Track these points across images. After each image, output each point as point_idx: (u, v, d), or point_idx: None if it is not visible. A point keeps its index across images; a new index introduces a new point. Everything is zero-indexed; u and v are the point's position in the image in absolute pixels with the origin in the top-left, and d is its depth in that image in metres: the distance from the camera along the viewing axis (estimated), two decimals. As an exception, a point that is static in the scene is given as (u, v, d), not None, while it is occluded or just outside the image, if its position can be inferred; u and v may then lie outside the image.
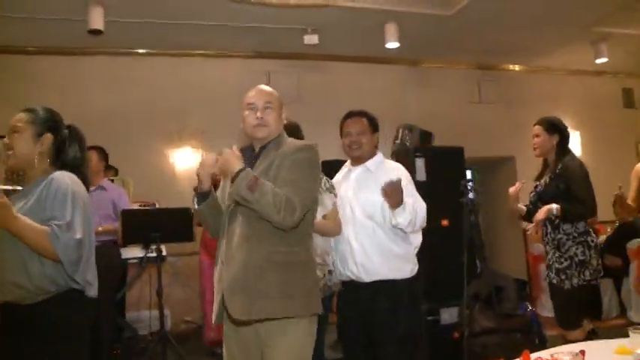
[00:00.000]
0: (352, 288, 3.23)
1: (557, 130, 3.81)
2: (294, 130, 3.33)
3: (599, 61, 8.38)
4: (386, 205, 3.04)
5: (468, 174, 5.57)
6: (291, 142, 2.51)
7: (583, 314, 3.66)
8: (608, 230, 7.43)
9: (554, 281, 3.59)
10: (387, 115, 7.83)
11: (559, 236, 3.63)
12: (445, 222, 4.99)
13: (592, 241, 3.61)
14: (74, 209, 2.28)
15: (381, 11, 6.54)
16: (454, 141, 5.66)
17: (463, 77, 8.88)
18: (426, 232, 4.92)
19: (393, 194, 2.91)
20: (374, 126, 3.36)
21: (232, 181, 2.31)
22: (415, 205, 3.06)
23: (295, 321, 2.32)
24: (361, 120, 3.32)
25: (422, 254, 4.91)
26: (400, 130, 5.60)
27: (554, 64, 9.23)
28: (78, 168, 2.49)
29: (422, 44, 7.68)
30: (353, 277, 3.19)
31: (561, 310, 3.64)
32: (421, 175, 5.16)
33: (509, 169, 8.89)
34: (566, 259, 3.59)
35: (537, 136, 3.80)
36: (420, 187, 4.92)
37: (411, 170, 5.07)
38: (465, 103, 8.78)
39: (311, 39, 6.82)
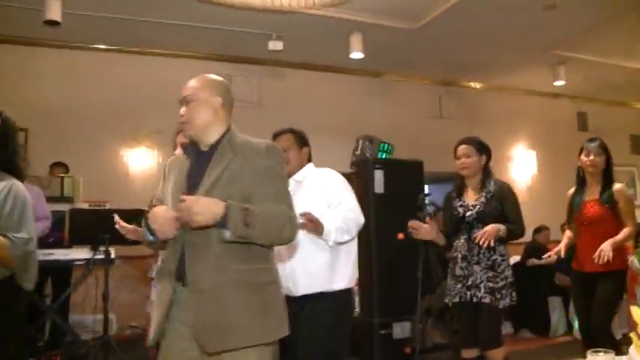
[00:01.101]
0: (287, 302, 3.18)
1: (485, 149, 3.85)
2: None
3: (557, 83, 8.63)
4: (315, 209, 3.02)
5: (427, 188, 5.61)
6: (246, 141, 2.26)
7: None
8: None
9: (487, 300, 3.58)
10: (348, 126, 8.02)
11: (494, 257, 3.65)
12: (401, 235, 4.95)
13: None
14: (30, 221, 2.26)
15: (347, 21, 6.56)
16: (414, 154, 5.70)
17: (425, 91, 8.98)
18: (381, 245, 5.08)
19: (309, 226, 2.91)
20: (301, 141, 3.36)
21: (219, 226, 2.02)
22: (342, 216, 3.05)
23: (261, 347, 2.13)
24: (287, 136, 3.33)
25: (377, 267, 5.07)
26: (360, 142, 5.59)
27: (513, 84, 9.44)
28: (14, 162, 2.46)
29: (386, 56, 7.74)
30: (285, 291, 3.13)
31: (492, 329, 3.64)
32: (379, 188, 5.15)
33: (466, 186, 9.03)
34: (502, 279, 3.62)
35: (467, 156, 3.79)
36: (377, 199, 5.11)
37: (370, 182, 5.12)
38: (426, 117, 8.89)
39: (275, 45, 6.79)
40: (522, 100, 9.75)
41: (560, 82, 8.59)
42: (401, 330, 4.93)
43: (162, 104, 7.22)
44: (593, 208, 3.98)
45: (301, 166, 3.32)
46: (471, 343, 3.68)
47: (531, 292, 6.92)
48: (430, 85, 9.04)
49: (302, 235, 3.06)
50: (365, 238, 5.08)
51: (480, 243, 3.53)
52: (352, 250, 3.25)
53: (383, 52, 7.48)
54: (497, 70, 8.65)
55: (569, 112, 10.23)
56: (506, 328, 7.17)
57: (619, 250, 3.79)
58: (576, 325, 6.78)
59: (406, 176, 5.28)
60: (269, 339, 2.14)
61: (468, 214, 3.74)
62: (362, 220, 3.17)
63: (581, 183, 4.13)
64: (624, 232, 3.81)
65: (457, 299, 3.71)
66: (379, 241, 5.06)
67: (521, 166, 9.74)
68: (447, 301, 3.81)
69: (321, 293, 3.08)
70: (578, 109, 10.37)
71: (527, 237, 7.35)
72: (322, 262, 3.11)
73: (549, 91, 9.60)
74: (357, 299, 5.39)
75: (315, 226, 2.91)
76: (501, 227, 3.55)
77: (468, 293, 3.66)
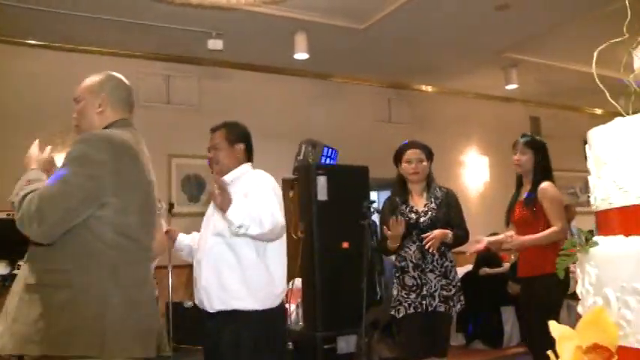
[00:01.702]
0: (202, 316, 3.04)
1: (431, 154, 3.95)
2: None
3: (509, 87, 8.80)
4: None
5: (373, 195, 5.66)
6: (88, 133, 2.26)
7: None
8: (512, 258, 7.74)
9: (442, 309, 3.66)
10: (293, 130, 7.98)
11: (446, 264, 3.76)
12: (345, 244, 5.04)
13: None
14: None
15: (290, 19, 6.56)
16: (362, 160, 5.73)
17: (374, 94, 9.04)
18: (325, 255, 5.08)
19: (218, 195, 2.68)
20: (234, 136, 3.19)
21: None
22: (257, 207, 2.75)
23: None
24: (218, 133, 3.20)
25: (320, 278, 5.08)
26: (303, 146, 5.61)
27: (465, 87, 9.59)
28: None
29: (332, 57, 7.77)
30: (200, 305, 3.03)
31: (447, 337, 3.75)
32: (322, 195, 5.17)
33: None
34: (453, 287, 3.74)
35: (421, 160, 3.86)
36: (320, 207, 5.12)
37: (313, 189, 5.14)
38: (374, 121, 8.94)
39: (215, 44, 6.74)
40: (474, 104, 9.90)
41: (512, 86, 8.75)
42: (346, 344, 4.95)
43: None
44: (519, 210, 4.00)
45: (233, 166, 3.16)
46: (424, 354, 3.71)
47: (484, 302, 7.01)
48: (379, 87, 9.10)
49: (218, 242, 2.93)
50: (307, 247, 5.16)
51: (427, 247, 3.60)
52: (279, 261, 3.04)
53: (329, 52, 7.50)
54: (448, 72, 8.77)
55: (522, 116, 10.43)
56: (458, 340, 7.28)
57: (547, 252, 3.68)
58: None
59: (351, 182, 5.31)
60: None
61: (422, 220, 3.78)
62: (280, 220, 2.84)
63: (519, 184, 4.16)
64: (545, 232, 3.73)
65: (412, 310, 3.71)
66: (322, 251, 5.08)
67: (473, 172, 9.88)
68: (393, 313, 3.81)
69: (243, 312, 2.87)
70: (531, 114, 10.59)
71: (479, 245, 7.51)
72: (249, 277, 2.90)
73: (501, 94, 9.77)
74: (299, 312, 5.43)
75: (222, 199, 2.65)
76: (449, 233, 3.63)
77: (423, 303, 3.69)
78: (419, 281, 3.73)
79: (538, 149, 4.01)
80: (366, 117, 8.87)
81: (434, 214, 3.77)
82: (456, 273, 3.81)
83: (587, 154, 1.75)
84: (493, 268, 7.16)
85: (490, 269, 7.21)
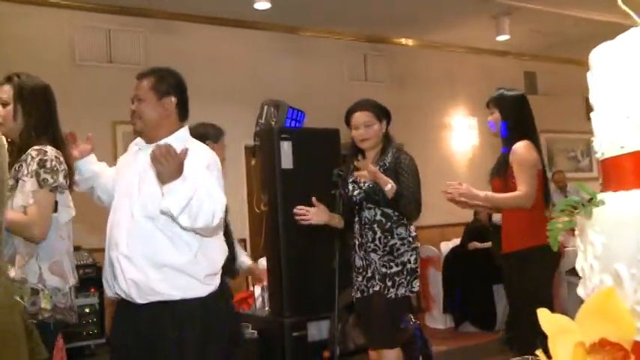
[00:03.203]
0: (126, 309, 2.88)
1: (385, 114, 3.73)
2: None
3: (500, 38, 8.72)
4: None
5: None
6: None
7: (400, 331, 3.69)
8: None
9: (376, 289, 3.53)
10: (254, 90, 7.79)
11: (392, 242, 3.56)
12: (314, 218, 4.87)
13: (419, 248, 3.68)
14: None
15: (248, -38, 6.37)
16: (332, 123, 5.57)
17: (347, 50, 8.94)
18: (291, 231, 4.96)
19: (161, 159, 2.49)
20: (165, 87, 2.90)
21: None
22: (200, 192, 2.61)
23: None
24: (144, 81, 2.91)
25: (286, 257, 4.99)
26: (265, 108, 5.46)
27: (450, 40, 9.49)
28: None
29: (299, 7, 7.62)
30: (124, 296, 2.84)
31: (379, 324, 3.54)
32: (287, 162, 5.06)
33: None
34: (397, 265, 3.54)
35: (367, 125, 3.65)
36: (285, 176, 5.02)
37: (276, 156, 5.03)
38: (347, 80, 8.86)
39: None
40: (461, 59, 9.83)
41: (504, 37, 8.70)
42: (317, 331, 4.91)
43: (27, 64, 6.76)
44: (493, 180, 3.92)
45: (161, 124, 2.90)
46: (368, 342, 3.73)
47: (474, 279, 6.98)
48: (353, 42, 8.99)
49: (150, 225, 2.76)
50: (272, 222, 5.11)
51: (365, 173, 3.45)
52: (218, 244, 2.94)
53: (295, 2, 7.37)
54: (432, 23, 8.63)
55: (516, 72, 10.37)
56: (447, 322, 7.21)
57: (526, 223, 3.67)
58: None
59: (320, 148, 5.22)
60: None
61: (356, 192, 3.65)
62: (217, 217, 2.68)
63: None
64: (506, 194, 3.69)
65: (359, 294, 3.67)
66: (288, 227, 4.96)
67: (460, 136, 9.82)
68: (353, 295, 3.78)
69: (180, 301, 2.77)
70: (526, 69, 10.54)
71: (469, 215, 7.40)
72: (185, 262, 2.77)
73: (492, 47, 9.71)
74: (265, 296, 5.30)
75: (167, 159, 2.48)
76: (388, 182, 3.41)
77: (368, 286, 3.62)
78: (364, 262, 3.68)
79: (505, 106, 3.90)
80: (338, 75, 8.80)
81: (370, 185, 3.59)
82: (408, 251, 3.58)
83: (590, 83, 1.53)
84: (483, 242, 7.04)
85: (480, 243, 7.11)
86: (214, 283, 2.86)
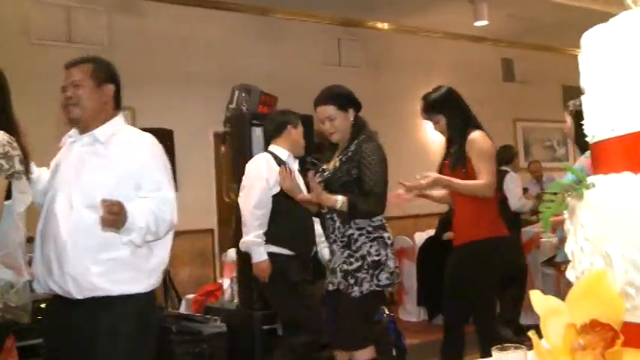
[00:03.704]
0: (61, 306, 2.83)
1: (350, 102, 3.64)
2: None
3: (478, 23, 8.74)
4: (119, 189, 2.72)
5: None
6: None
7: (372, 328, 3.64)
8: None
9: (342, 287, 3.46)
10: (224, 75, 7.70)
11: (350, 232, 3.48)
12: (287, 206, 4.85)
13: (388, 237, 3.56)
14: None
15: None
16: (305, 109, 5.54)
17: (321, 33, 8.90)
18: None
19: (108, 220, 2.55)
20: (104, 75, 2.91)
21: None
22: (155, 211, 2.71)
23: None
24: (81, 67, 2.88)
25: None
26: (236, 92, 5.44)
27: (427, 25, 9.47)
28: None
29: (271, -12, 7.54)
30: (60, 292, 2.79)
31: (347, 324, 3.49)
32: (259, 149, 4.98)
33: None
34: (357, 260, 3.45)
35: (331, 118, 3.57)
36: (256, 163, 4.95)
37: (247, 142, 5.00)
38: (321, 64, 8.82)
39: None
40: (438, 45, 9.84)
41: (482, 22, 8.71)
42: None
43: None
44: (448, 173, 3.89)
45: (101, 113, 2.88)
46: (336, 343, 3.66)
47: (448, 271, 6.98)
48: (327, 25, 8.94)
49: (91, 215, 2.69)
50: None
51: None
52: (166, 239, 2.92)
53: (268, -18, 7.28)
54: (409, 7, 8.60)
55: (493, 58, 10.47)
56: (420, 315, 7.24)
57: (481, 215, 3.75)
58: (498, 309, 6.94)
59: None
60: None
61: (319, 181, 3.57)
62: (175, 220, 2.83)
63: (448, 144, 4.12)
64: (470, 182, 3.72)
65: (330, 287, 3.61)
66: None
67: (436, 124, 9.81)
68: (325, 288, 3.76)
69: (121, 297, 2.74)
70: (503, 56, 10.62)
71: (444, 206, 7.42)
72: (128, 256, 2.75)
73: (469, 33, 9.73)
74: (234, 288, 5.28)
75: (114, 221, 2.56)
76: (339, 200, 3.37)
77: (333, 280, 3.56)
78: (331, 254, 3.63)
79: (444, 107, 3.97)
80: (311, 59, 8.74)
81: (329, 175, 3.55)
82: (367, 243, 3.48)
83: (581, 66, 1.53)
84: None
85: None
86: (157, 279, 2.88)
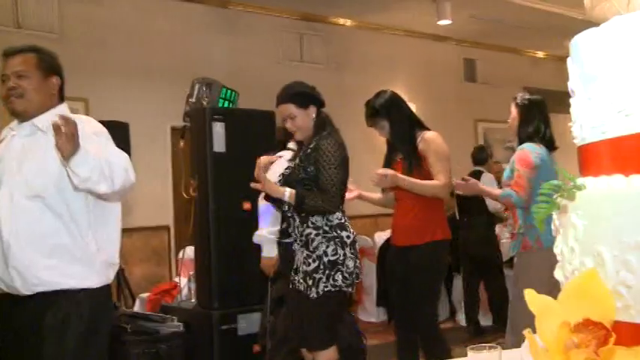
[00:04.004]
0: (6, 304, 2.80)
1: (310, 99, 3.65)
2: None
3: (441, 22, 8.83)
4: (64, 177, 2.68)
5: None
6: None
7: (335, 329, 3.64)
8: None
9: (301, 288, 3.48)
10: (180, 66, 7.66)
11: (307, 231, 3.49)
12: (247, 205, 4.86)
13: (347, 237, 3.54)
14: None
15: None
16: (265, 105, 5.54)
17: (282, 28, 8.89)
18: (222, 218, 4.94)
19: (64, 134, 2.45)
20: (49, 66, 2.90)
21: None
22: (105, 155, 2.64)
23: None
24: (24, 57, 2.85)
25: (216, 245, 4.92)
26: (196, 86, 5.39)
27: (390, 22, 9.55)
28: None
29: (231, -21, 7.52)
30: (4, 289, 2.77)
31: (309, 325, 3.51)
32: (220, 145, 5.00)
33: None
34: (314, 260, 3.46)
35: (291, 117, 3.59)
36: (217, 160, 4.95)
37: (208, 138, 4.97)
38: (282, 60, 8.80)
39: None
40: (401, 43, 9.91)
41: (445, 22, 8.79)
42: (247, 324, 4.88)
43: None
44: (400, 171, 4.00)
45: (44, 102, 2.85)
46: (298, 342, 3.69)
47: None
48: (289, 19, 8.92)
49: (36, 206, 2.68)
50: (201, 209, 5.05)
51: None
52: (114, 227, 2.92)
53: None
54: (373, 3, 8.66)
55: (455, 58, 10.59)
56: (379, 315, 7.31)
57: (433, 216, 3.89)
58: (462, 311, 7.06)
59: (254, 131, 5.16)
60: None
61: (277, 179, 3.63)
62: (133, 177, 2.78)
63: (391, 147, 4.27)
64: (427, 182, 3.87)
65: (290, 285, 3.65)
66: (219, 213, 4.98)
67: (398, 122, 9.90)
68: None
69: (69, 291, 2.72)
70: (465, 56, 10.75)
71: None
72: (69, 245, 2.72)
73: (433, 32, 9.84)
74: (192, 287, 5.26)
75: (67, 139, 2.45)
76: (286, 192, 3.37)
77: (294, 279, 3.60)
78: (294, 253, 3.66)
79: (390, 111, 4.15)
80: (272, 54, 8.72)
81: (287, 173, 3.58)
82: (324, 242, 3.47)
83: (570, 70, 1.57)
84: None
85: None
86: (109, 275, 2.86)
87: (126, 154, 2.81)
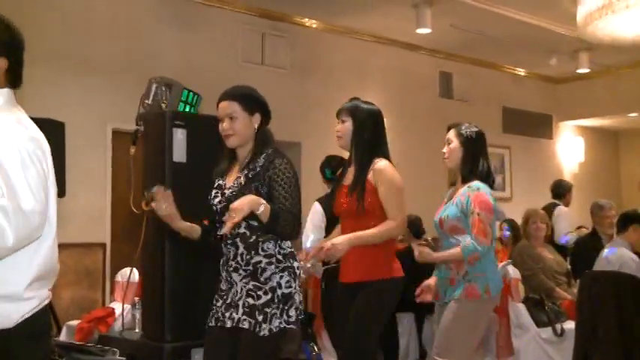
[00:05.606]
0: None
1: (258, 104, 3.62)
2: None
3: (420, 31, 8.95)
4: None
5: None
6: None
7: None
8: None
9: (245, 325, 3.39)
10: (129, 61, 7.68)
11: (256, 259, 3.44)
12: (208, 223, 4.82)
13: (297, 267, 3.58)
14: None
15: None
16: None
17: (243, 25, 8.89)
18: (178, 241, 4.84)
19: None
20: None
21: None
22: (4, 204, 2.40)
23: None
24: None
25: (171, 270, 4.87)
26: (154, 86, 5.34)
27: (363, 27, 9.67)
28: None
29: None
30: None
31: None
32: (180, 155, 4.98)
33: (292, 158, 9.08)
34: (265, 293, 3.43)
35: (231, 117, 3.55)
36: (176, 172, 4.95)
37: (167, 146, 4.95)
38: (241, 61, 8.83)
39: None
40: (373, 50, 10.03)
41: (424, 30, 8.89)
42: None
43: None
44: (344, 199, 4.09)
45: None
46: None
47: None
48: (249, 16, 8.92)
49: None
50: (155, 226, 4.95)
51: (222, 232, 3.37)
52: (41, 250, 2.63)
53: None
54: (343, 5, 8.76)
55: (431, 70, 10.78)
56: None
57: (380, 252, 3.95)
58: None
59: (218, 140, 5.04)
60: None
61: (217, 200, 3.63)
62: (12, 242, 2.41)
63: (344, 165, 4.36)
64: (378, 228, 3.90)
65: (213, 322, 3.59)
66: (176, 234, 4.71)
67: (367, 135, 9.99)
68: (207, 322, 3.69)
69: None
70: (442, 68, 10.94)
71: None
72: None
73: (409, 41, 10.01)
74: (136, 315, 5.20)
75: None
76: (262, 203, 3.26)
77: (226, 314, 3.52)
78: (227, 285, 3.60)
79: (360, 117, 4.14)
80: (230, 55, 8.73)
81: (234, 192, 3.50)
82: (277, 273, 3.45)
83: None
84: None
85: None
86: (21, 312, 2.57)
87: (26, 210, 2.44)
